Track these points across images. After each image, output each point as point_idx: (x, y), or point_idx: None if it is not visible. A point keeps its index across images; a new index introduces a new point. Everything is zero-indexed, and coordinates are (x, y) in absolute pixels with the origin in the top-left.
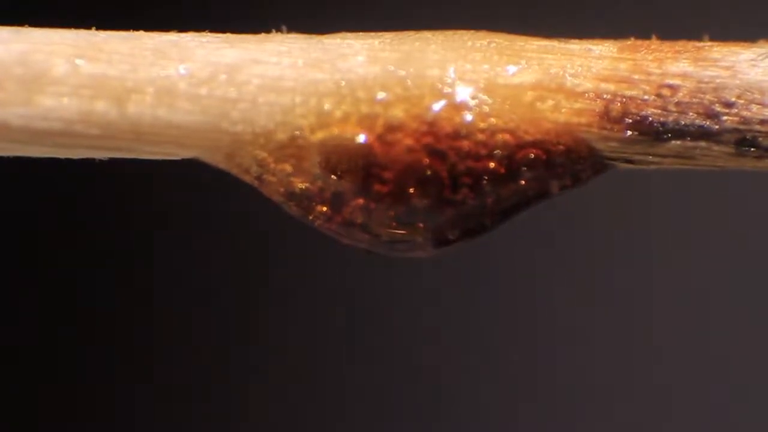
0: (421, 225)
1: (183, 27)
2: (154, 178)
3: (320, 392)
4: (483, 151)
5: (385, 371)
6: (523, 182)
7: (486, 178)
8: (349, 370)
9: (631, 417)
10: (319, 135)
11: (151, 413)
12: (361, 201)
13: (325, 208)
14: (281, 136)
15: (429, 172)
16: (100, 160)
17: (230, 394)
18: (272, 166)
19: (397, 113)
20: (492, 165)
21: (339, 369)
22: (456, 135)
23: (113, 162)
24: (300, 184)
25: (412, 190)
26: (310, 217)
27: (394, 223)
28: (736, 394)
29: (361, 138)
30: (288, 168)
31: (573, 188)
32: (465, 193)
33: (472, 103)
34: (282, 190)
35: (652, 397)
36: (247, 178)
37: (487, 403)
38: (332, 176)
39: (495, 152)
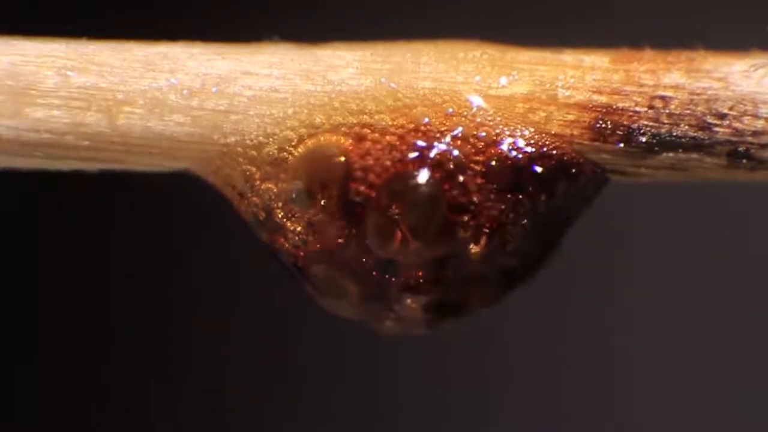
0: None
1: (173, 35)
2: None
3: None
4: (474, 162)
5: (385, 372)
6: (516, 193)
7: (477, 188)
8: (349, 371)
9: (630, 418)
10: (309, 145)
11: (148, 415)
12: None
13: (298, 232)
14: (271, 148)
15: (417, 182)
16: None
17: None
18: (258, 183)
19: (388, 124)
20: (483, 176)
21: (339, 369)
22: (446, 146)
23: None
24: (280, 209)
25: (395, 206)
26: (280, 243)
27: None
28: (736, 395)
29: (350, 148)
30: (272, 188)
31: (576, 198)
32: (456, 204)
33: (463, 114)
34: (262, 215)
35: (650, 399)
36: (229, 193)
37: (486, 404)
38: (317, 196)
39: (487, 163)
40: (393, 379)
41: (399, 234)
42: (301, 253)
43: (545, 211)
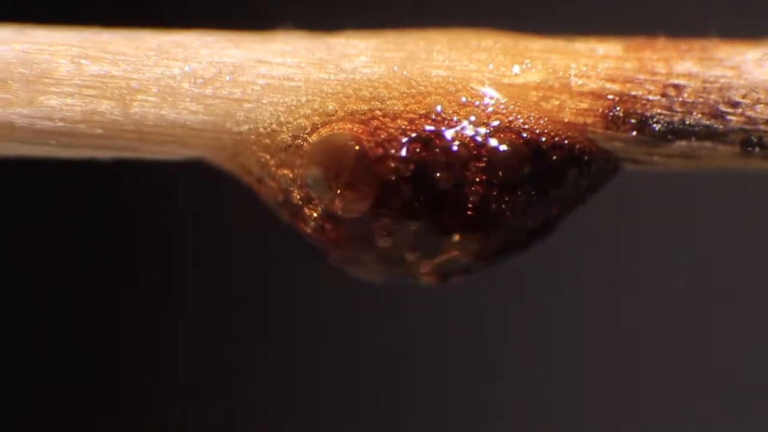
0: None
1: (187, 24)
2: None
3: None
4: (485, 150)
5: (386, 371)
6: (526, 181)
7: (488, 176)
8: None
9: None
10: (323, 133)
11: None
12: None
13: (316, 218)
14: (285, 136)
15: (429, 170)
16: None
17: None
18: (273, 170)
19: (401, 111)
20: (494, 164)
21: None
22: (458, 133)
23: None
24: (297, 193)
25: (407, 190)
26: (300, 226)
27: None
28: (737, 394)
29: (363, 136)
30: (288, 174)
31: (586, 186)
32: (468, 190)
33: (476, 102)
34: (280, 197)
35: (651, 399)
36: (247, 179)
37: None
38: (332, 183)
39: (498, 150)
40: (392, 379)
41: (410, 213)
42: (322, 237)
43: (554, 198)
